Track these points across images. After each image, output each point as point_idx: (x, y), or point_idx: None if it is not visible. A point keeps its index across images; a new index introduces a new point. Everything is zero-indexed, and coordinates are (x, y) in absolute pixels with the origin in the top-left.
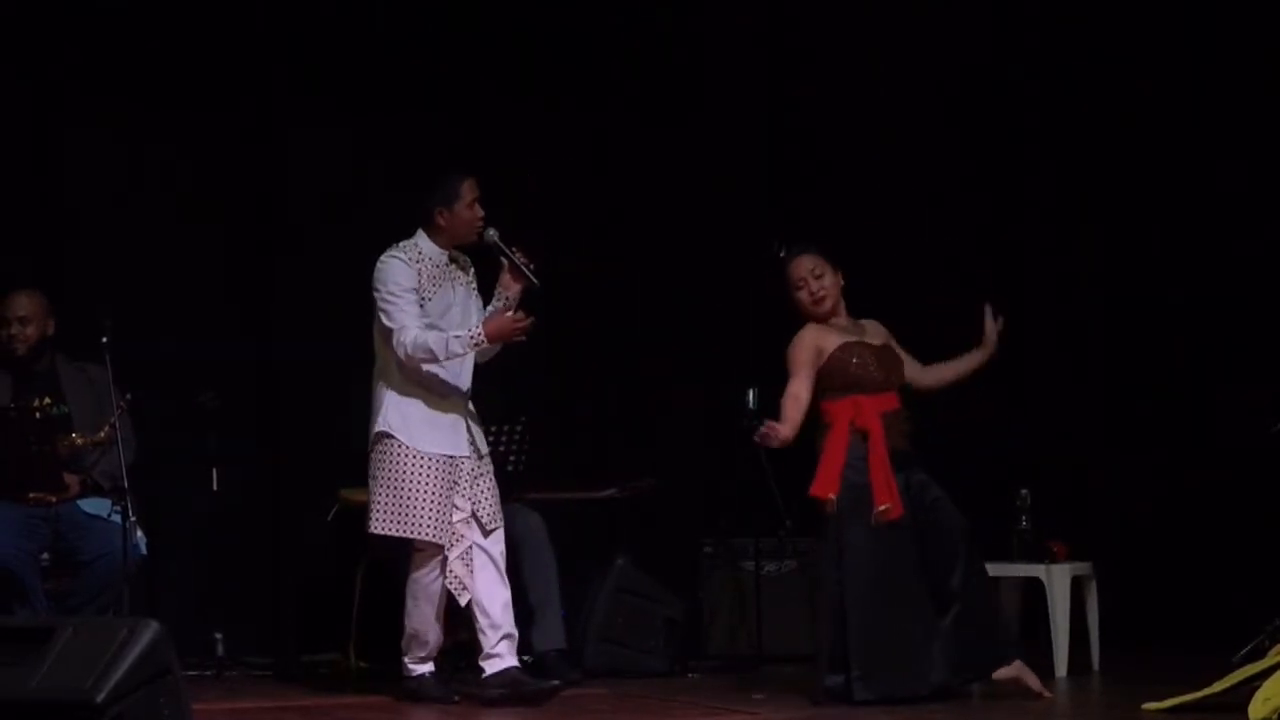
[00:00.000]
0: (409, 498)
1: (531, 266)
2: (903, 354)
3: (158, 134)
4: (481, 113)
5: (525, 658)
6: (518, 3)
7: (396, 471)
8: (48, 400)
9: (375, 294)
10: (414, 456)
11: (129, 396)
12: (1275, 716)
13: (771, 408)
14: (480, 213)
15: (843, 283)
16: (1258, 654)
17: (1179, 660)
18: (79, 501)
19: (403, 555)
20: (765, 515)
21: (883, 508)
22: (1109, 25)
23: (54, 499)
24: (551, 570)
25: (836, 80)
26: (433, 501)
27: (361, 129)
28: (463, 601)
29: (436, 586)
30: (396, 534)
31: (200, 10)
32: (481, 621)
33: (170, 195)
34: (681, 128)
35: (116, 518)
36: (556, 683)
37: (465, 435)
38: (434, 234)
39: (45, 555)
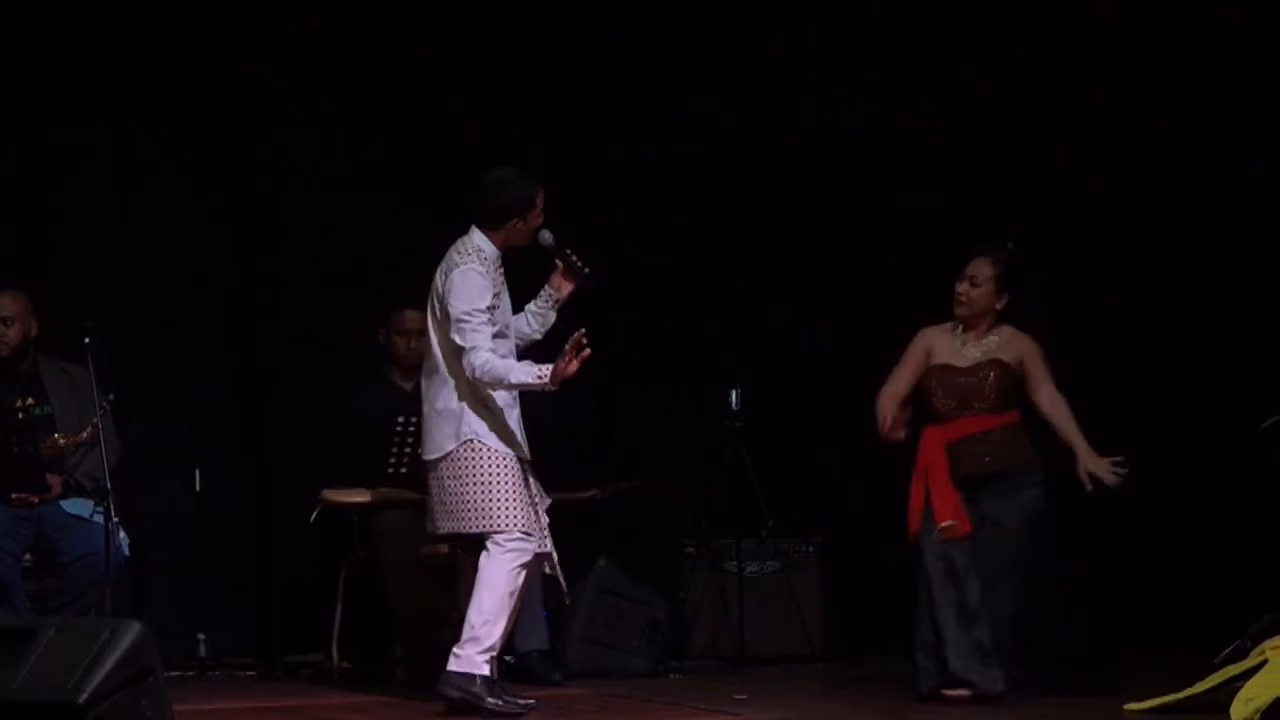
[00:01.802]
0: (501, 494)
1: (587, 270)
2: (1033, 373)
3: (144, 133)
4: (470, 111)
5: (508, 658)
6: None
7: (487, 472)
8: (30, 401)
9: (451, 306)
10: (501, 456)
11: (111, 397)
12: (1257, 717)
13: (754, 408)
14: (540, 220)
15: (999, 306)
16: (1240, 655)
17: (1161, 661)
18: (61, 502)
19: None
20: (747, 516)
21: (946, 524)
22: (1097, 25)
23: (36, 499)
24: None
25: (828, 81)
26: (521, 497)
27: (351, 128)
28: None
29: (521, 579)
30: (491, 529)
31: (188, 9)
32: (475, 616)
33: (155, 195)
34: (671, 128)
35: (99, 518)
36: (531, 702)
37: (526, 440)
38: (494, 235)
39: (27, 556)
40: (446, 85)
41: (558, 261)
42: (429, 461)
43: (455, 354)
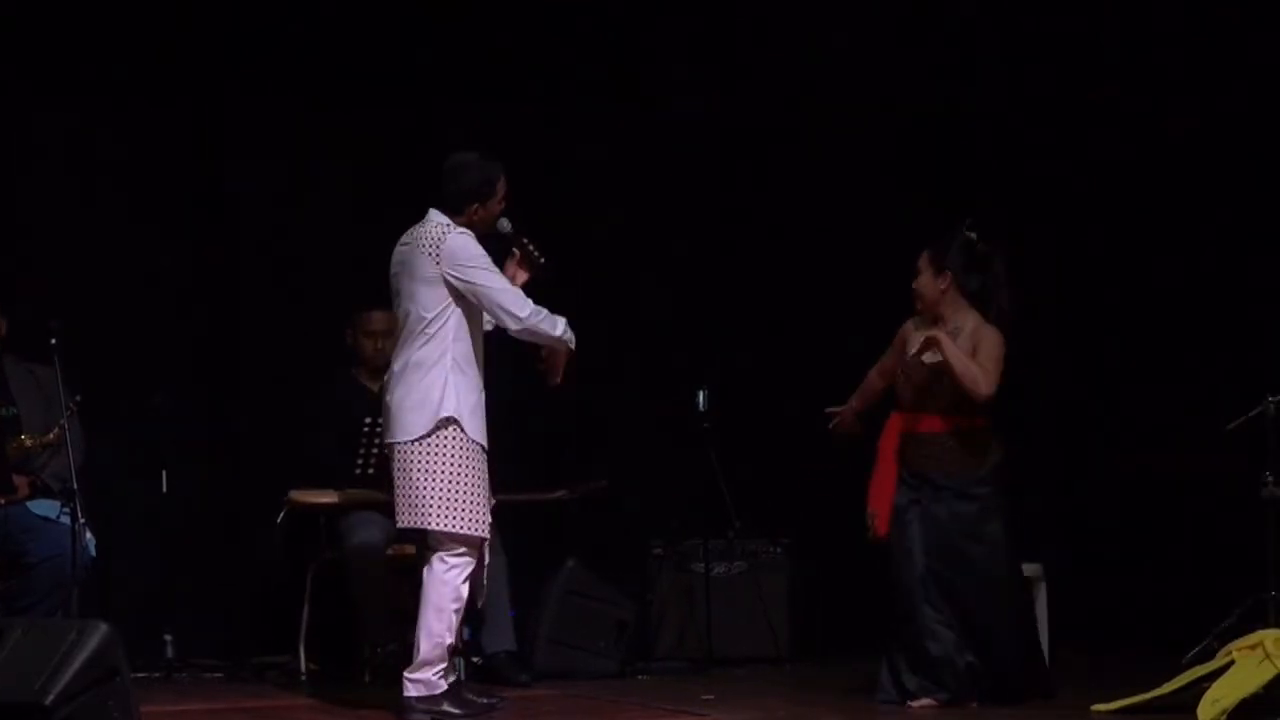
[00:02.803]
0: (469, 493)
1: (543, 260)
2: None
3: (108, 132)
4: (435, 112)
5: (475, 659)
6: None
7: (458, 463)
8: None
9: (459, 267)
10: (471, 447)
11: (78, 398)
12: (1224, 717)
13: (721, 409)
14: (502, 205)
15: (944, 287)
16: (1207, 655)
17: (1129, 661)
18: (28, 503)
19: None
20: (714, 517)
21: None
22: (1096, 25)
23: (2, 500)
24: (502, 572)
25: (790, 85)
26: (483, 497)
27: (315, 127)
28: (480, 602)
29: (466, 588)
30: (458, 530)
31: (152, 8)
32: (424, 641)
33: (122, 194)
34: (635, 126)
35: (66, 519)
36: (495, 700)
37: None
38: (456, 220)
39: None
40: (418, 86)
41: (515, 250)
42: (398, 445)
43: (438, 331)
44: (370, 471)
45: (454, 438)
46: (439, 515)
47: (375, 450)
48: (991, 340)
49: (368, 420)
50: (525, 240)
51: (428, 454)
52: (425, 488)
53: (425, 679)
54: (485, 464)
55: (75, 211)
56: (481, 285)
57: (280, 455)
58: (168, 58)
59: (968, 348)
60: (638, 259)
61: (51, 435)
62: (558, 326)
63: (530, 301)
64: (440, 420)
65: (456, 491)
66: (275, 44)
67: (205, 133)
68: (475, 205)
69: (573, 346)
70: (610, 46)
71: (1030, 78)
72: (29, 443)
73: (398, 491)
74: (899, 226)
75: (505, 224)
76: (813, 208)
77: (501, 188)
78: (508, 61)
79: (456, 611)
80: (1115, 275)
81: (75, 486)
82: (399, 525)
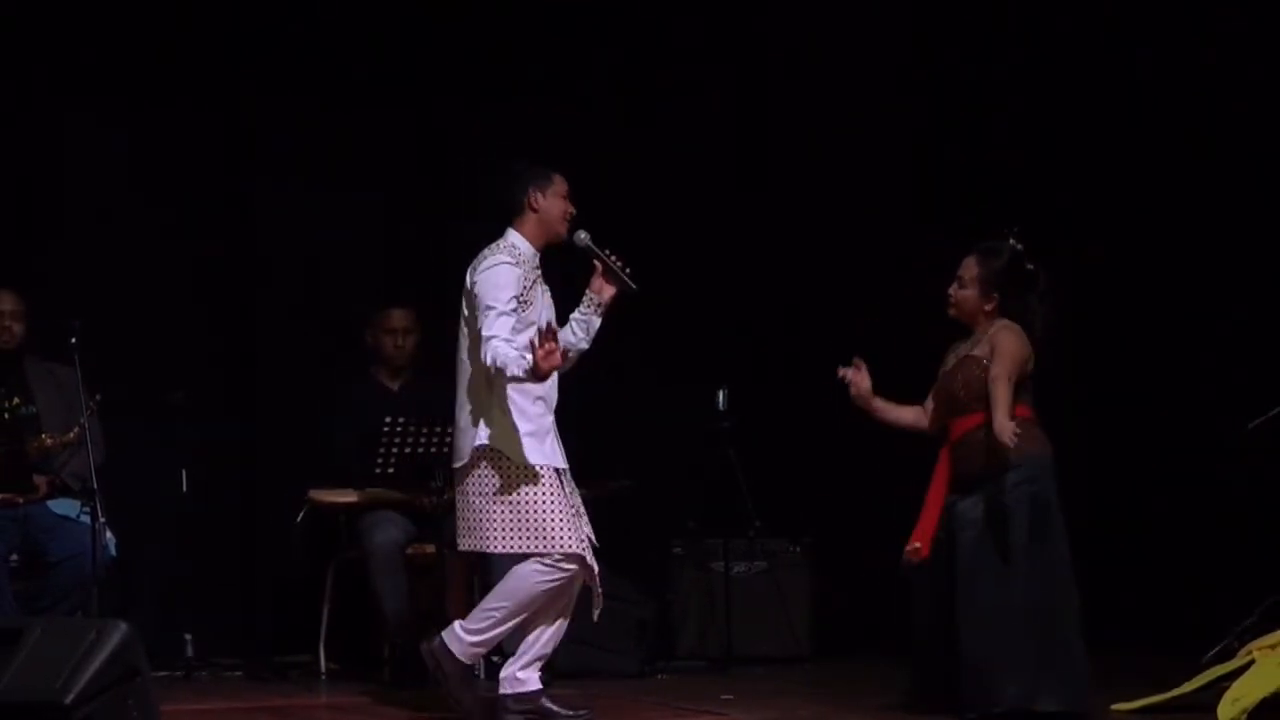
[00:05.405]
0: (535, 512)
1: (627, 271)
2: (987, 363)
3: (128, 132)
4: (457, 111)
5: (494, 658)
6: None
7: (511, 487)
8: (16, 401)
9: (478, 297)
10: (524, 470)
11: (98, 397)
12: (1244, 717)
13: (742, 408)
14: (571, 208)
15: (988, 308)
16: (1227, 655)
17: (1149, 661)
18: (48, 502)
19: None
20: (735, 516)
21: (911, 546)
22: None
23: (22, 499)
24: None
25: (806, 85)
26: (560, 511)
27: (335, 127)
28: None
29: (541, 601)
30: (535, 550)
31: (171, 9)
32: (529, 635)
33: (141, 194)
34: (653, 128)
35: (86, 518)
36: (585, 712)
37: (561, 449)
38: (524, 226)
39: (14, 556)
40: (434, 86)
41: (596, 264)
42: (455, 469)
43: (478, 354)
44: (390, 471)
45: (499, 465)
46: (497, 538)
47: (395, 450)
48: (1012, 338)
49: (387, 420)
50: (607, 252)
51: (480, 482)
52: (482, 510)
53: (513, 675)
54: (555, 482)
55: (95, 211)
56: (479, 316)
57: (300, 454)
58: (185, 59)
59: (984, 352)
60: (658, 257)
61: (71, 434)
62: (508, 365)
63: (495, 351)
64: (477, 450)
65: (517, 513)
66: (292, 45)
67: (223, 133)
68: (533, 191)
69: (528, 378)
70: (626, 47)
71: (1050, 76)
72: (49, 442)
73: (457, 514)
74: (923, 224)
75: (583, 236)
76: (836, 206)
77: (560, 182)
78: (530, 63)
79: (514, 614)
80: (1142, 275)
81: (95, 486)
82: (460, 549)
